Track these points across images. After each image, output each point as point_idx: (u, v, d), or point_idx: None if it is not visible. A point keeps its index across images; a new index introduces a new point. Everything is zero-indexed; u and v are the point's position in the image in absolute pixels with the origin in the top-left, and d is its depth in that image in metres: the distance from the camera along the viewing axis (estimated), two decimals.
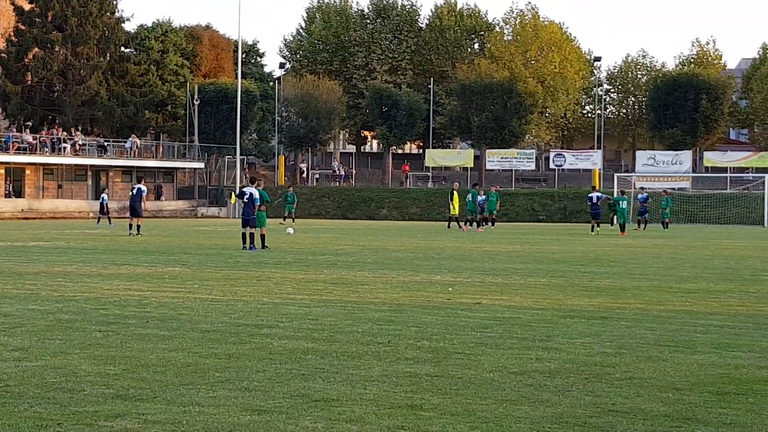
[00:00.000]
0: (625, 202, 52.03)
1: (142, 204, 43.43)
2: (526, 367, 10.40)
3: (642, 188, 64.28)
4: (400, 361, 10.64)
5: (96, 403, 8.52)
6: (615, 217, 59.15)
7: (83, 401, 8.57)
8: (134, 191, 43.83)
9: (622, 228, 49.93)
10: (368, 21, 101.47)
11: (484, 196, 57.78)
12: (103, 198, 57.86)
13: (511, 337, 12.55)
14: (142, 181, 46.20)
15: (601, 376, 9.93)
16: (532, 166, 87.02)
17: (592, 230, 50.53)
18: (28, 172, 73.51)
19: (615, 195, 61.23)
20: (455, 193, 55.21)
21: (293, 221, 59.79)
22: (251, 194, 32.09)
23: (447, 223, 56.58)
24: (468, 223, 54.76)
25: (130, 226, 41.99)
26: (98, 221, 55.62)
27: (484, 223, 57.48)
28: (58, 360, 10.53)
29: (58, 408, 8.32)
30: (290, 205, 62.23)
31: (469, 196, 55.26)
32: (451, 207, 55.05)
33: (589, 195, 53.03)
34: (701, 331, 13.25)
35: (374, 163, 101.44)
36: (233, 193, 71.60)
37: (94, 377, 9.59)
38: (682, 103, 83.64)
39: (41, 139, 74.20)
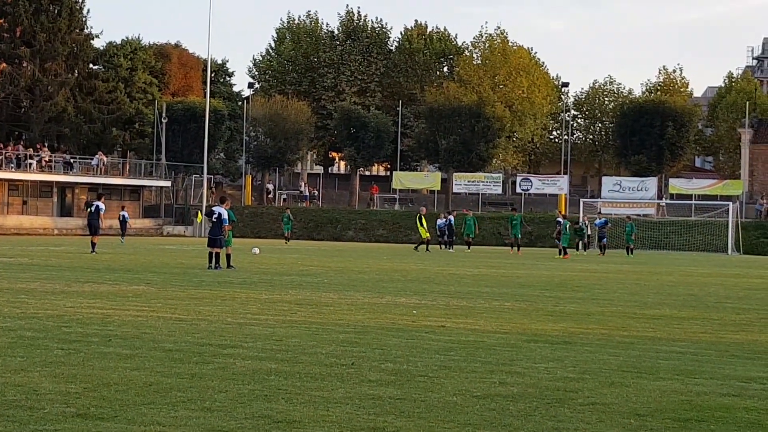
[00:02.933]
0: (567, 225, 52.41)
1: (100, 221, 43.22)
2: (489, 391, 10.39)
3: (599, 213, 64.90)
4: (364, 383, 10.61)
5: (56, 421, 8.45)
6: (580, 242, 59.86)
7: (43, 419, 8.50)
8: (92, 208, 43.59)
9: (561, 251, 50.45)
10: (338, 42, 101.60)
11: (444, 220, 59.94)
12: (123, 216, 61.93)
13: (474, 360, 12.55)
14: (102, 199, 45.78)
15: (563, 401, 9.94)
16: (499, 190, 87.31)
17: (559, 254, 50.99)
18: None
19: (581, 221, 61.74)
20: (423, 217, 56.24)
21: (288, 241, 62.43)
22: (220, 214, 32.04)
23: (415, 245, 57.07)
24: (513, 247, 58.12)
25: (93, 244, 41.51)
26: (122, 238, 59.03)
27: (449, 247, 58.95)
28: (19, 377, 10.44)
29: (18, 426, 8.24)
30: (287, 226, 64.67)
31: (513, 221, 57.48)
32: (422, 231, 55.98)
33: (558, 219, 53.55)
34: (664, 357, 13.29)
35: (341, 185, 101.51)
36: (200, 212, 71.69)
37: (55, 395, 9.51)
38: (648, 129, 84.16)
39: (7, 154, 73.74)
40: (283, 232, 66.25)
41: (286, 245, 60.01)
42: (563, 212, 63.89)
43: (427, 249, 55.29)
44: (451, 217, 61.01)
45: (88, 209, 44.99)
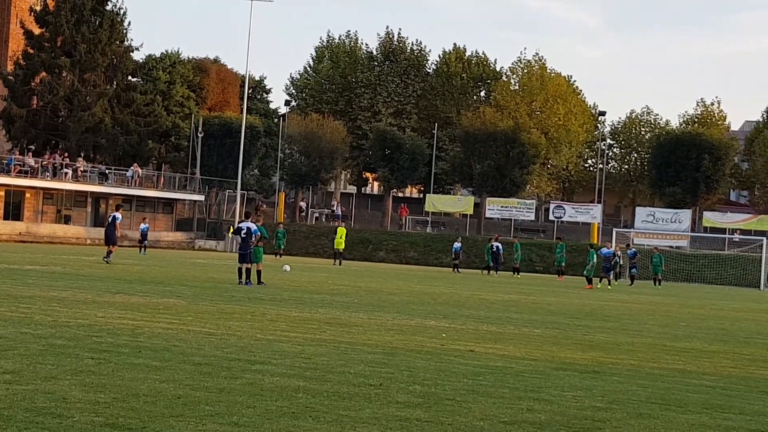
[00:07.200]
0: (593, 254, 52.31)
1: (117, 232, 43.36)
2: (516, 417, 10.37)
3: (628, 245, 64.77)
4: (391, 405, 10.61)
5: (85, 430, 8.49)
6: (612, 272, 59.74)
7: (72, 428, 8.55)
8: (110, 219, 44.24)
9: (589, 281, 50.24)
10: (376, 63, 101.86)
11: (460, 243, 62.97)
12: (142, 228, 62.77)
13: (502, 386, 12.53)
14: (120, 210, 46.37)
15: (591, 430, 9.91)
16: (532, 217, 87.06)
17: (600, 282, 50.92)
18: (28, 195, 73.53)
19: (613, 251, 61.59)
20: (341, 230, 62.59)
21: (279, 257, 61.54)
22: (248, 229, 32.16)
23: (333, 259, 61.89)
24: (559, 274, 60.10)
25: (108, 252, 41.56)
26: (143, 250, 59.55)
27: (495, 272, 60.72)
28: (49, 385, 10.50)
29: None
30: (280, 242, 64.24)
31: (558, 249, 60.58)
32: (337, 242, 61.21)
33: (600, 250, 53.32)
34: (693, 390, 13.23)
35: (374, 205, 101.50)
36: (232, 227, 71.86)
37: (84, 404, 9.56)
38: (684, 161, 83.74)
39: (43, 163, 74.29)
40: (275, 249, 65.20)
41: (279, 258, 59.69)
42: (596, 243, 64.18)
43: (339, 263, 59.20)
44: (498, 244, 61.70)
45: (106, 220, 45.58)
